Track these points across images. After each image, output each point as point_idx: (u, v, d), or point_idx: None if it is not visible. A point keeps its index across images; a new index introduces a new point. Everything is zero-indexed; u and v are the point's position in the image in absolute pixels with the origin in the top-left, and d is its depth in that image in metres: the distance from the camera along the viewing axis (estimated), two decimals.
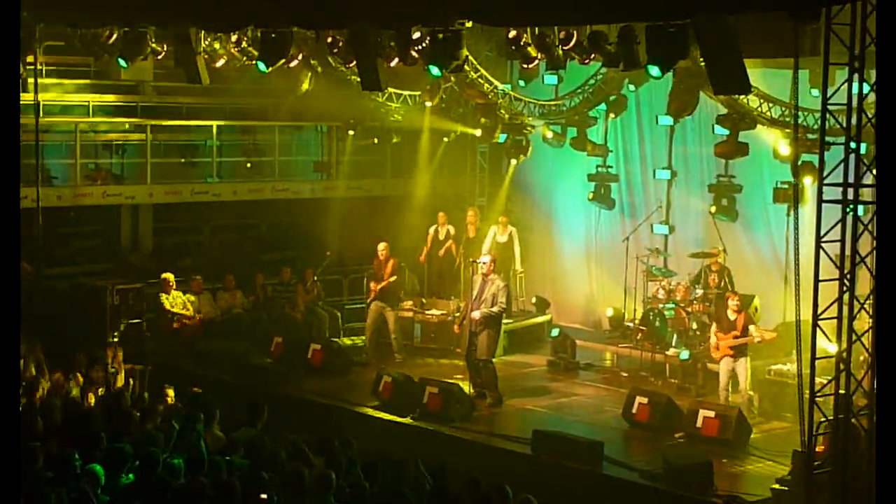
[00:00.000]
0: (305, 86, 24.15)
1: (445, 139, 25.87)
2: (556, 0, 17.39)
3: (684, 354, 20.94)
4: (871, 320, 14.18)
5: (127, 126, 26.85)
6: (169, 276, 24.23)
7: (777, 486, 15.16)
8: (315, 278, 24.91)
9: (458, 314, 21.99)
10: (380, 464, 14.38)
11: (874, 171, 13.96)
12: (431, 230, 25.37)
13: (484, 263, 19.84)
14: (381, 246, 22.91)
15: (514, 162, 25.41)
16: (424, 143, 26.45)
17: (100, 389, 18.84)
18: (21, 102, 22.00)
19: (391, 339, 22.79)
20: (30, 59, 23.05)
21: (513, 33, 18.88)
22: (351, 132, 26.70)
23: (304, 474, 13.47)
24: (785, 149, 20.19)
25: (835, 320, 14.10)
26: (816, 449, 14.41)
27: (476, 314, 19.50)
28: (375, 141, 26.86)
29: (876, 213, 13.72)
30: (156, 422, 15.90)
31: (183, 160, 27.49)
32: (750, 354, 19.26)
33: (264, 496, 12.07)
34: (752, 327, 19.14)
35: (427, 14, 18.47)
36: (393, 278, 22.74)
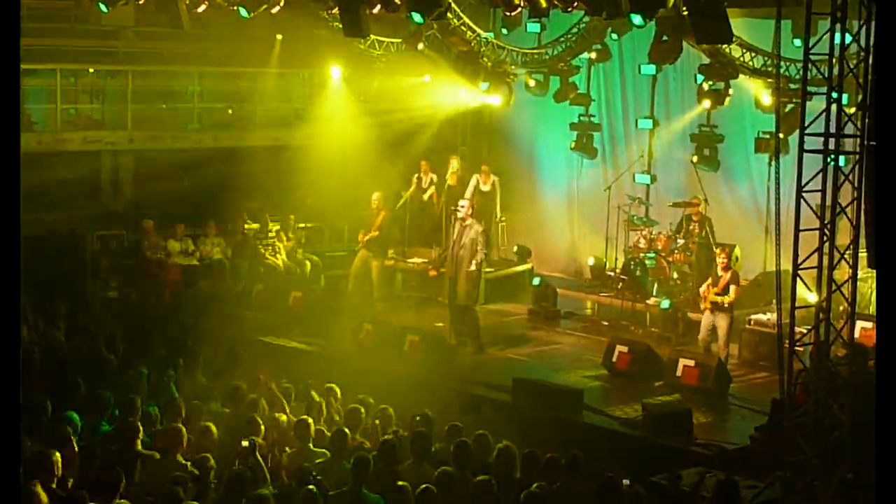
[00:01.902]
0: None
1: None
2: None
3: (665, 303, 21.00)
4: (850, 270, 14.23)
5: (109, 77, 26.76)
6: (149, 222, 24.22)
7: (756, 434, 15.23)
8: (296, 225, 24.86)
9: (438, 260, 22.03)
10: (364, 411, 14.47)
11: (856, 122, 13.97)
12: (414, 178, 25.30)
13: (462, 208, 19.83)
14: (375, 196, 22.87)
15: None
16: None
17: (82, 337, 18.79)
18: None
19: (373, 288, 22.77)
20: None
21: None
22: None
23: (283, 422, 13.54)
24: (767, 99, 20.20)
25: (815, 270, 14.12)
26: (795, 398, 14.46)
27: (472, 266, 19.50)
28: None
29: (857, 164, 13.74)
30: (136, 369, 15.92)
31: (164, 106, 27.38)
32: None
33: (245, 443, 12.10)
34: (732, 287, 19.04)
35: None
36: (375, 233, 22.67)
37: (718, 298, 18.88)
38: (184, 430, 12.77)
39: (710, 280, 19.36)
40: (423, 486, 11.51)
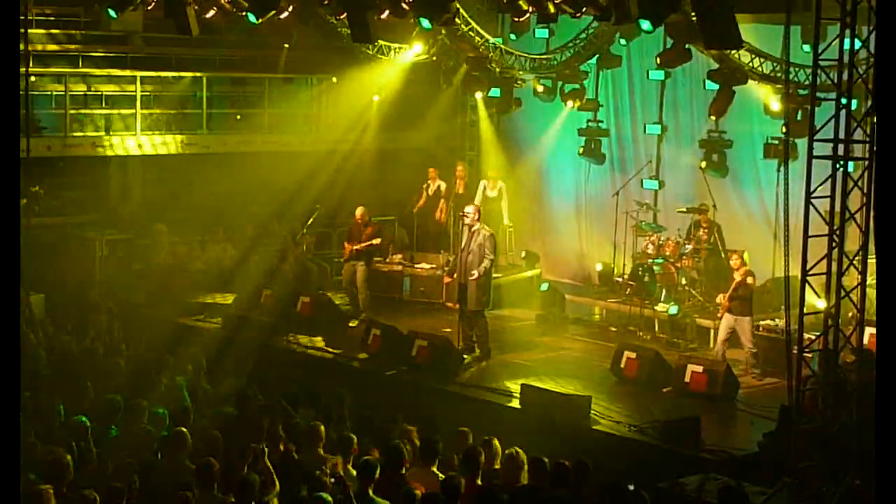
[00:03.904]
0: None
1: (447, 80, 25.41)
2: None
3: (673, 309, 20.97)
4: (859, 276, 14.22)
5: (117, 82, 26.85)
6: (163, 227, 24.31)
7: (764, 440, 15.22)
8: (304, 231, 24.89)
9: (447, 267, 22.01)
10: (373, 417, 14.48)
11: (865, 128, 13.96)
12: (423, 185, 25.37)
13: (468, 214, 19.83)
14: (359, 211, 22.64)
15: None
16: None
17: (91, 341, 18.83)
18: None
19: (358, 294, 22.59)
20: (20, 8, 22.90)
21: None
22: (334, 79, 26.34)
23: (298, 426, 13.55)
24: (776, 104, 20.17)
25: (824, 276, 14.12)
26: (804, 404, 14.46)
27: (474, 274, 19.47)
28: (375, 98, 26.72)
29: (866, 169, 13.74)
30: (145, 373, 15.96)
31: (173, 112, 27.43)
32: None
33: (254, 445, 12.11)
34: (750, 279, 19.00)
35: None
36: (377, 240, 22.51)
37: (740, 287, 18.86)
38: (188, 434, 12.78)
39: (728, 292, 19.24)
40: (430, 491, 11.51)
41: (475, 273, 19.44)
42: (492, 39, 22.68)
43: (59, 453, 11.68)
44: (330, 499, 11.10)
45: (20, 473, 10.41)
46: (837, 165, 13.96)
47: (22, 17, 23.18)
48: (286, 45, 25.30)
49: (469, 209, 20.05)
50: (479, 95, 24.41)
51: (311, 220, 24.86)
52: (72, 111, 25.70)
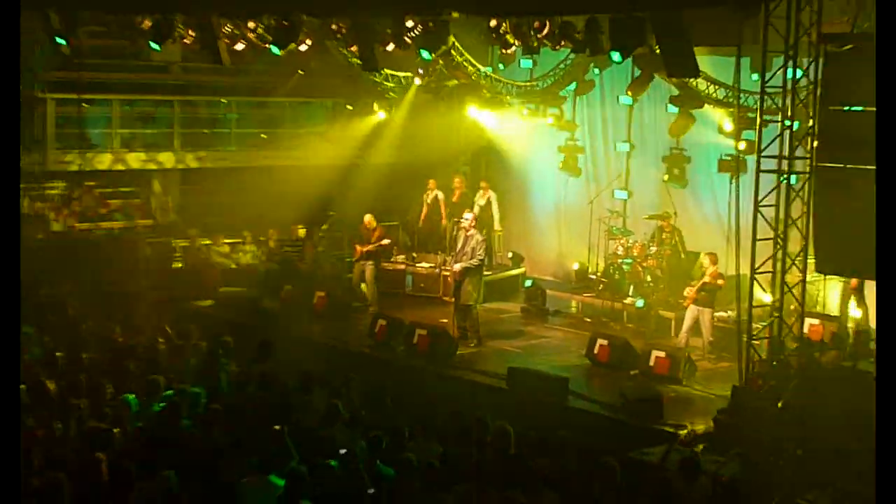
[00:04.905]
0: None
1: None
2: None
3: (639, 303, 21.01)
4: (800, 274, 14.27)
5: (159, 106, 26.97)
6: (195, 231, 24.38)
7: (718, 415, 15.25)
8: (320, 235, 24.88)
9: (444, 266, 22.01)
10: (377, 398, 14.48)
11: (805, 146, 14.04)
12: (424, 196, 25.37)
13: (466, 220, 19.86)
14: (367, 217, 22.57)
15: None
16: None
17: (137, 329, 18.83)
18: (65, 79, 23.13)
19: (367, 289, 22.54)
20: (73, 41, 22.94)
21: (493, 22, 18.81)
22: (349, 107, 26.35)
23: (312, 404, 13.55)
24: (728, 125, 20.21)
25: (769, 274, 14.18)
26: (753, 384, 14.51)
27: (457, 266, 19.52)
28: (380, 115, 26.66)
29: (807, 182, 13.80)
30: (184, 357, 15.99)
31: (206, 131, 27.49)
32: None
33: (277, 427, 12.08)
34: (720, 282, 18.98)
35: (419, 5, 18.48)
36: (386, 241, 22.48)
37: (708, 283, 18.80)
38: (221, 410, 12.82)
39: (695, 283, 19.23)
40: (429, 461, 11.54)
41: (457, 267, 19.47)
42: (483, 68, 22.73)
43: (104, 426, 11.74)
44: (335, 463, 11.12)
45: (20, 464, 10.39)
46: (782, 178, 14.03)
47: (77, 50, 23.25)
48: (300, 72, 25.32)
49: (468, 216, 20.09)
50: (473, 111, 24.38)
51: (327, 225, 24.91)
52: (119, 131, 25.82)
